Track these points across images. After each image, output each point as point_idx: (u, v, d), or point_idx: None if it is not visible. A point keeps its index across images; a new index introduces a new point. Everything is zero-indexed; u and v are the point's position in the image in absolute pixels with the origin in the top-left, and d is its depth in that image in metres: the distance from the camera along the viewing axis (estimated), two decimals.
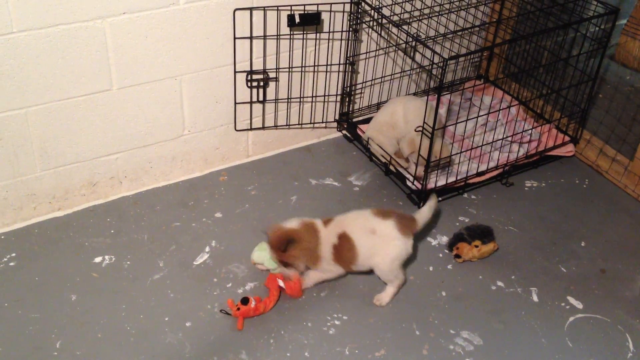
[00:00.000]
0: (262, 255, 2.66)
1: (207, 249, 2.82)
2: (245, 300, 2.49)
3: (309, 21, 3.00)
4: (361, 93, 3.52)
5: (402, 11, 3.25)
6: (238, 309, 2.48)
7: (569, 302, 2.68)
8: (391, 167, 3.22)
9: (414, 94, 3.67)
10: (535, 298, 2.70)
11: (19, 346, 2.38)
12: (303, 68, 3.22)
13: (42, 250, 2.76)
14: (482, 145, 3.23)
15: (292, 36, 3.10)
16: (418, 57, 3.45)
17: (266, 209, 3.04)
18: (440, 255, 2.87)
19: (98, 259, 2.73)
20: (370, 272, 2.66)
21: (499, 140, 3.25)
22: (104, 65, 2.72)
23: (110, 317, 2.51)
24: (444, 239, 2.93)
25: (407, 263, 2.80)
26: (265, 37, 3.03)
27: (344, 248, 2.53)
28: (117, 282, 2.65)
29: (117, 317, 2.51)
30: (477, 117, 3.23)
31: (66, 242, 2.80)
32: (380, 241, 2.52)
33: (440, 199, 3.15)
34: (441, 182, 3.11)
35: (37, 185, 2.84)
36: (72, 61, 2.64)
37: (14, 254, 2.73)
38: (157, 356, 2.38)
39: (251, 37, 2.99)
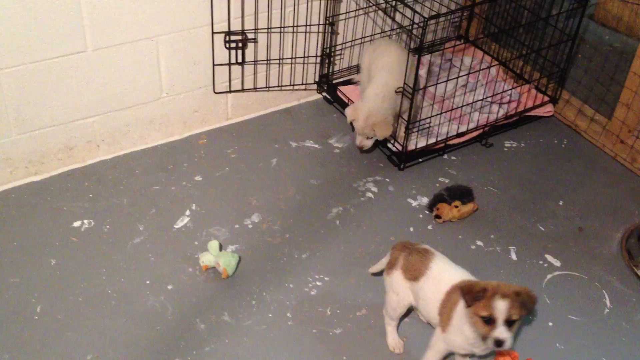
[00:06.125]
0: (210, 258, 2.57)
1: (188, 212, 2.81)
2: None
3: None
4: (341, 54, 3.49)
5: None
6: None
7: (547, 260, 2.72)
8: None
9: None
10: (514, 257, 2.73)
11: None
12: (282, 29, 3.17)
13: (20, 215, 2.73)
14: (462, 106, 3.23)
15: None
16: (398, 17, 3.41)
17: (246, 171, 3.03)
18: (421, 216, 2.88)
19: (77, 224, 2.71)
20: (349, 235, 2.69)
21: (479, 101, 3.25)
22: (78, 26, 2.65)
23: (91, 281, 2.50)
24: (424, 200, 2.95)
25: (388, 224, 2.83)
26: None
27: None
28: (96, 246, 2.63)
29: (97, 281, 2.50)
30: (457, 78, 3.22)
31: (44, 206, 2.77)
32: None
33: (420, 160, 3.15)
34: (421, 143, 3.11)
35: (12, 149, 2.79)
36: (45, 22, 2.57)
37: None
38: (139, 319, 2.39)
39: None
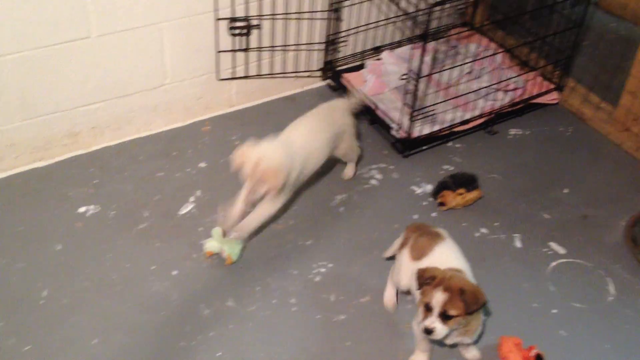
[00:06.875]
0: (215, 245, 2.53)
1: (192, 198, 2.81)
2: None
3: None
4: (345, 41, 3.47)
5: None
6: None
7: (551, 248, 2.72)
8: (378, 112, 3.20)
9: (399, 42, 3.62)
10: (518, 244, 2.73)
11: (5, 296, 2.38)
12: (286, 15, 3.15)
13: (25, 201, 2.73)
14: (467, 93, 3.22)
15: None
16: (403, 3, 3.39)
17: None
18: (425, 203, 2.88)
19: (82, 209, 2.72)
20: (353, 222, 2.69)
21: (484, 88, 3.24)
22: (82, 11, 2.64)
23: (96, 267, 2.50)
24: (429, 187, 2.94)
25: (392, 211, 2.83)
26: None
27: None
28: (102, 231, 2.64)
29: (103, 266, 2.51)
30: (462, 65, 3.21)
31: (49, 192, 2.78)
32: None
33: (424, 147, 3.15)
34: (426, 130, 3.11)
35: (17, 135, 2.80)
36: (49, 8, 2.56)
37: None
38: (144, 304, 2.40)
39: None
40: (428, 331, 2.00)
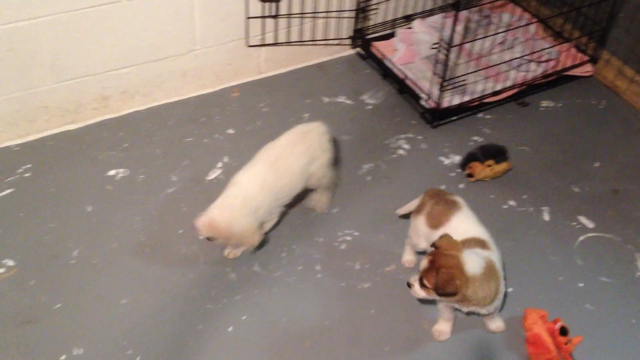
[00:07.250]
0: None
1: (220, 164, 2.83)
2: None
3: None
4: (376, 9, 3.43)
5: None
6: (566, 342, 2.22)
7: (580, 222, 2.69)
8: (407, 82, 3.17)
9: (431, 11, 3.57)
10: (546, 217, 2.70)
11: (37, 254, 2.43)
12: None
13: (57, 162, 2.78)
14: (499, 64, 3.17)
15: None
16: None
17: (278, 125, 3.01)
18: (452, 174, 2.86)
19: (112, 172, 2.75)
20: (380, 192, 2.68)
21: (517, 59, 3.19)
22: None
23: (125, 229, 2.54)
24: (457, 159, 2.92)
25: (419, 181, 2.81)
26: None
27: None
28: (131, 194, 2.67)
29: (132, 228, 2.55)
30: (494, 35, 3.16)
31: (80, 154, 2.82)
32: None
33: (454, 118, 3.12)
34: (456, 101, 3.07)
35: (49, 97, 2.83)
36: None
37: (29, 165, 2.75)
38: (171, 266, 2.43)
39: None
40: (408, 284, 2.10)
